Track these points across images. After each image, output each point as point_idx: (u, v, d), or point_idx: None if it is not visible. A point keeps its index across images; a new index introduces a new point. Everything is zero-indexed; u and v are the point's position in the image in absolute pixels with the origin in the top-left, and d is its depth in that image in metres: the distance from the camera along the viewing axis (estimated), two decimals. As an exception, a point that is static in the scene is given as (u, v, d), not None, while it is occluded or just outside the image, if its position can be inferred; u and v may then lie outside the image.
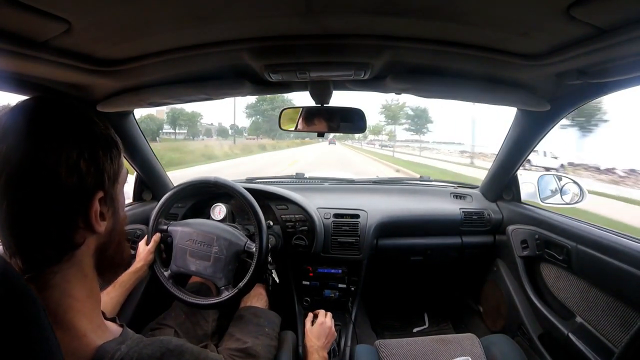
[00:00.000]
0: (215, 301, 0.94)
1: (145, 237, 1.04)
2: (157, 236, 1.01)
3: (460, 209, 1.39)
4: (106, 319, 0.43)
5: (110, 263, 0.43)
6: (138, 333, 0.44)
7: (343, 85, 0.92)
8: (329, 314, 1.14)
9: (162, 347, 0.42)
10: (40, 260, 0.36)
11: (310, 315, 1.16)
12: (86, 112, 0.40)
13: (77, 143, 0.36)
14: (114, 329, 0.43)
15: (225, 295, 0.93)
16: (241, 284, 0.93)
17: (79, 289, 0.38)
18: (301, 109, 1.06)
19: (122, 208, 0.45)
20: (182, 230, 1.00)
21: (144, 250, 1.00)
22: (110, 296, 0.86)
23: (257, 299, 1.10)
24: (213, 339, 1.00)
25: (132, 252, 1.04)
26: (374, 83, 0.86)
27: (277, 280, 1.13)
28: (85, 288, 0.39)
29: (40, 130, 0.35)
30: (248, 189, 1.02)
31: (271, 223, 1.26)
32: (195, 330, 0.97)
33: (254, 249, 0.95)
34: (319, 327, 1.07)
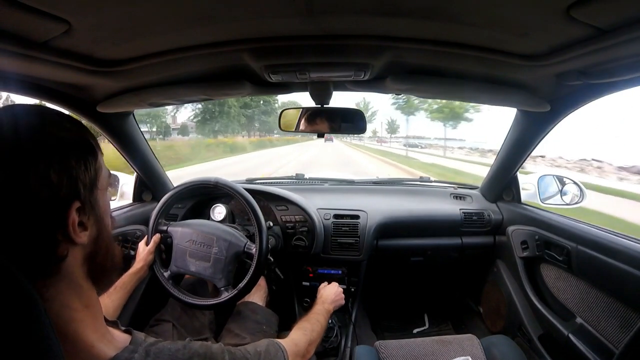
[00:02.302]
0: (215, 302, 0.94)
1: (145, 237, 1.04)
2: (157, 237, 1.01)
3: (460, 209, 1.39)
4: (107, 323, 0.43)
5: (102, 270, 0.42)
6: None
7: (343, 86, 0.92)
8: (341, 287, 1.16)
9: (171, 355, 0.42)
10: (27, 275, 0.33)
11: (326, 283, 1.17)
12: (55, 118, 0.38)
13: (45, 153, 0.34)
14: (120, 336, 0.42)
15: (225, 296, 0.93)
16: (241, 285, 0.93)
17: (76, 299, 0.37)
18: (301, 109, 1.07)
19: (107, 214, 0.43)
20: (182, 230, 1.00)
21: (143, 250, 1.00)
22: (112, 299, 0.87)
23: (255, 292, 1.11)
24: (210, 333, 1.02)
25: (132, 252, 1.04)
26: (374, 83, 0.86)
27: (282, 276, 1.13)
28: (82, 298, 0.38)
29: (3, 144, 0.33)
30: (248, 190, 1.02)
31: (271, 224, 1.26)
32: (193, 323, 0.99)
33: (254, 251, 0.95)
34: (332, 287, 1.10)
